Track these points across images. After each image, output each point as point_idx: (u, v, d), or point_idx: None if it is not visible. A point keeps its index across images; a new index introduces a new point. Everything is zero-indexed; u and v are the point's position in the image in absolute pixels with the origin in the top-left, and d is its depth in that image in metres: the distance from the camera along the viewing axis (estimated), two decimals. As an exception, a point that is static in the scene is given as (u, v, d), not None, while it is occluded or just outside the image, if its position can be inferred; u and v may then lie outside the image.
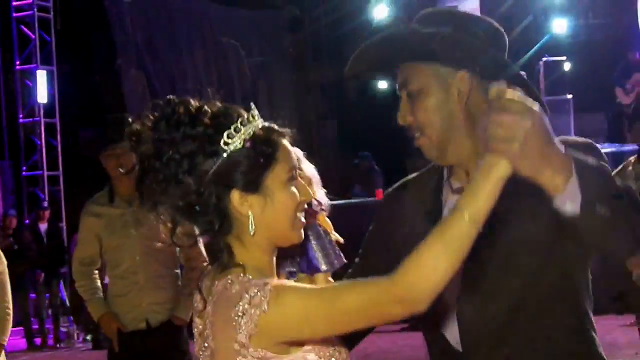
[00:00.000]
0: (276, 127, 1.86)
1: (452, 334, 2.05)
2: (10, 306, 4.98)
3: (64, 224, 13.25)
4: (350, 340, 1.94)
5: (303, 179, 2.18)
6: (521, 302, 1.99)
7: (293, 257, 2.21)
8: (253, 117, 1.84)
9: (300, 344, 1.79)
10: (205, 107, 1.83)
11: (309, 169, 2.33)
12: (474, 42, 2.01)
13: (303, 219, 1.89)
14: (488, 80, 1.99)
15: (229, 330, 1.74)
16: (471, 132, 1.98)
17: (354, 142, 14.45)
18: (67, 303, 12.31)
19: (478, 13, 13.23)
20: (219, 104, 1.87)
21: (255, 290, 1.72)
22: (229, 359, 1.76)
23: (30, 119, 14.06)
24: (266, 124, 1.85)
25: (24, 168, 14.07)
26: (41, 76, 13.86)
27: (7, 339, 5.01)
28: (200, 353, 1.86)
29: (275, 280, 1.79)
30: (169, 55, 13.96)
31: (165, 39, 13.93)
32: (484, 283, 2.01)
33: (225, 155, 1.79)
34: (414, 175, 2.26)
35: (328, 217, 2.35)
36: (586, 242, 1.87)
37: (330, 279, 2.26)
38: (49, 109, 14.05)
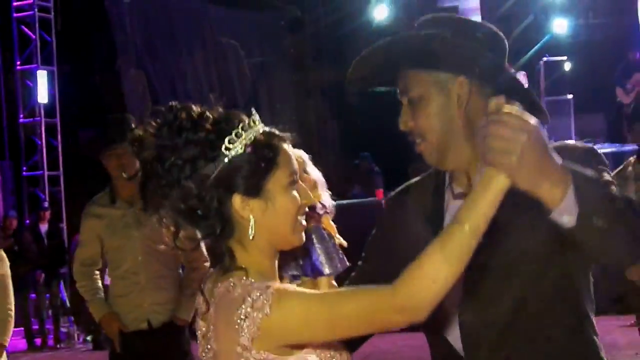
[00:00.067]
0: (277, 132, 1.88)
1: (454, 337, 2.06)
2: (13, 307, 4.98)
3: (64, 225, 13.24)
4: (352, 343, 1.96)
5: (308, 182, 2.21)
6: (521, 304, 2.01)
7: (296, 260, 2.22)
8: (254, 122, 1.86)
9: (301, 346, 1.81)
10: (207, 113, 1.85)
11: (314, 172, 2.33)
12: (472, 47, 2.02)
13: (304, 222, 1.90)
14: (487, 86, 2.02)
15: (231, 333, 1.76)
16: (471, 137, 1.99)
17: (354, 143, 14.46)
18: (68, 303, 12.31)
19: (478, 13, 13.26)
20: (220, 109, 1.88)
21: (258, 294, 1.74)
22: None
23: (31, 119, 14.06)
24: (267, 128, 1.87)
25: (25, 168, 14.07)
26: (42, 76, 13.86)
27: (8, 340, 5.01)
28: (204, 355, 1.88)
29: (277, 284, 1.81)
30: (169, 56, 13.97)
31: (165, 40, 13.93)
32: (485, 287, 2.02)
33: (226, 160, 1.81)
34: (416, 179, 2.27)
35: (332, 220, 2.35)
36: (585, 253, 1.89)
37: (333, 282, 2.27)
38: (49, 109, 14.05)
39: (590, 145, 2.09)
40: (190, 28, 14.22)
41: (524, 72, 12.42)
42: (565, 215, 1.71)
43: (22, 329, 11.68)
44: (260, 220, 1.83)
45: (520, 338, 2.01)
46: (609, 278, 2.09)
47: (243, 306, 1.74)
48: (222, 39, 13.25)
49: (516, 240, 1.98)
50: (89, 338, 12.02)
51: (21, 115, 14.11)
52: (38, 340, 12.01)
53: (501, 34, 2.11)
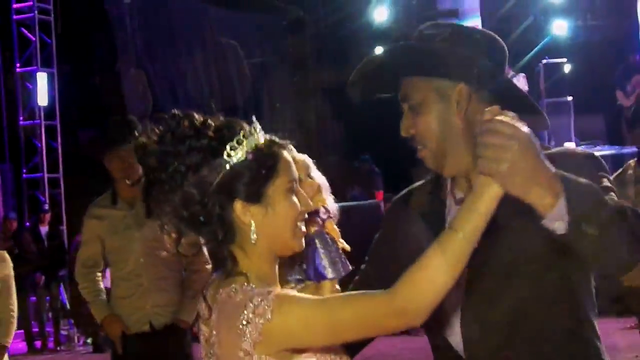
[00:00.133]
0: (277, 139, 1.92)
1: (455, 338, 2.08)
2: (15, 309, 5.00)
3: (64, 227, 13.24)
4: (353, 346, 1.99)
5: (312, 187, 2.25)
6: (521, 305, 2.03)
7: (299, 265, 2.23)
8: (255, 129, 1.90)
9: (302, 351, 1.84)
10: (209, 121, 1.89)
11: (319, 177, 2.35)
12: (470, 54, 2.05)
13: (303, 228, 1.94)
14: (487, 92, 2.05)
15: (233, 338, 1.80)
16: (471, 143, 2.01)
17: (354, 144, 14.46)
18: (68, 306, 12.30)
19: (478, 14, 13.26)
20: (221, 117, 1.92)
21: (259, 300, 1.78)
22: None
23: (31, 122, 14.06)
24: (267, 136, 1.91)
25: (25, 170, 14.07)
26: (41, 78, 13.86)
27: (10, 341, 5.03)
28: (207, 359, 1.92)
29: (277, 290, 1.85)
30: (169, 57, 13.98)
31: (165, 41, 13.94)
32: (486, 288, 2.04)
33: (228, 167, 1.85)
34: (418, 183, 2.30)
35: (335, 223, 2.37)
36: (579, 258, 1.91)
37: (337, 286, 2.28)
38: (49, 111, 14.05)
39: (590, 151, 2.11)
40: (190, 29, 14.23)
41: (523, 74, 12.43)
42: (557, 222, 1.75)
43: (22, 331, 11.67)
44: (261, 225, 1.87)
45: (520, 339, 2.03)
46: (608, 279, 2.09)
47: (245, 312, 1.78)
48: (222, 40, 13.26)
49: (516, 242, 2.01)
50: (89, 340, 12.02)
51: (21, 118, 14.11)
52: (38, 343, 12.01)
53: (500, 39, 2.14)
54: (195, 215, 1.86)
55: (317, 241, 2.25)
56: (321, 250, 2.26)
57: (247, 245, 1.88)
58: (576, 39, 14.15)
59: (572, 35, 14.09)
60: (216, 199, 1.85)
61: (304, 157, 2.34)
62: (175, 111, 1.91)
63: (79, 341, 12.33)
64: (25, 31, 13.99)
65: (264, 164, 1.86)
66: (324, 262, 2.25)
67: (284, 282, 2.09)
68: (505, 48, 2.14)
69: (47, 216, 12.65)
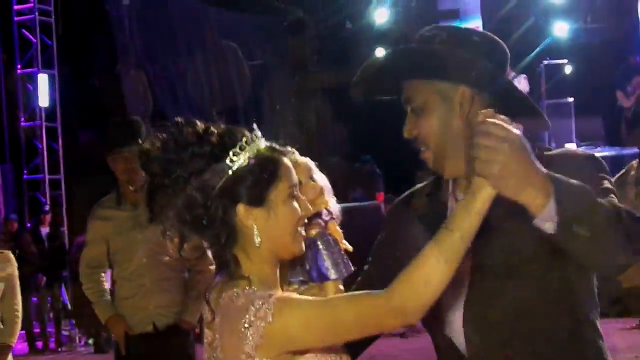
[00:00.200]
0: (277, 146, 1.97)
1: (458, 338, 2.09)
2: (20, 308, 5.02)
3: (65, 228, 13.25)
4: (355, 348, 2.03)
5: (315, 189, 2.30)
6: (521, 305, 2.04)
7: (302, 266, 2.26)
8: (256, 136, 1.94)
9: (303, 352, 1.87)
10: (212, 128, 1.93)
11: (321, 179, 2.37)
12: (472, 57, 2.06)
13: (303, 232, 1.98)
14: (488, 94, 2.06)
15: (236, 341, 1.83)
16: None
17: (355, 145, 14.46)
18: (69, 306, 12.31)
19: (479, 16, 13.26)
20: (222, 125, 1.96)
21: (260, 303, 1.82)
22: None
23: (32, 123, 14.07)
24: (268, 143, 1.96)
25: (25, 172, 14.07)
26: (42, 80, 13.87)
27: (15, 341, 5.05)
28: None
29: (278, 293, 1.89)
30: (169, 58, 13.98)
31: (165, 42, 13.94)
32: (487, 289, 2.06)
33: (230, 172, 1.89)
34: (421, 185, 2.32)
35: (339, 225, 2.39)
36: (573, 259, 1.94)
37: (340, 286, 2.30)
38: (50, 112, 14.05)
39: (591, 152, 2.12)
40: (190, 30, 14.24)
41: (524, 76, 12.43)
42: (548, 222, 1.79)
43: (24, 332, 11.68)
44: (263, 229, 1.91)
45: (520, 339, 2.05)
46: (607, 281, 2.11)
47: (247, 315, 1.82)
48: (222, 41, 13.26)
49: (517, 243, 2.02)
50: (90, 341, 12.02)
51: (22, 119, 14.11)
52: (39, 344, 12.01)
53: (501, 41, 2.15)
54: (198, 218, 1.89)
55: (319, 243, 2.28)
56: (324, 252, 2.28)
57: (249, 248, 1.92)
58: (577, 40, 14.15)
59: (573, 36, 14.09)
60: (219, 202, 1.88)
61: (306, 160, 2.37)
62: (178, 119, 1.95)
63: (80, 342, 12.34)
64: (26, 32, 14.00)
65: (266, 168, 1.91)
66: (326, 263, 2.27)
67: (285, 285, 2.12)
68: (507, 50, 2.15)
69: (48, 217, 12.66)
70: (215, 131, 1.93)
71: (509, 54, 2.16)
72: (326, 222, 2.31)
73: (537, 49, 12.91)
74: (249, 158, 1.91)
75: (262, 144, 1.94)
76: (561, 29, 14.00)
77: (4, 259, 5.04)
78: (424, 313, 1.79)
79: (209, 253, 2.01)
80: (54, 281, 12.14)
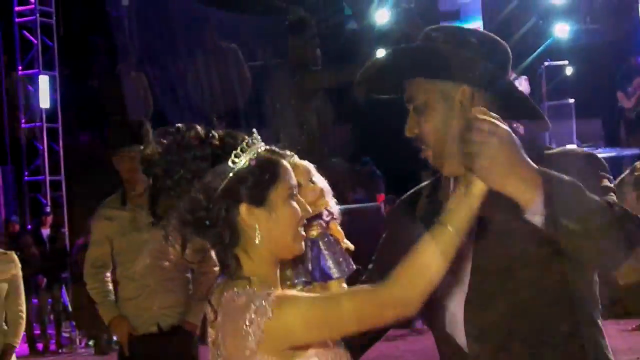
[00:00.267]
0: (277, 149, 2.03)
1: (460, 336, 2.11)
2: (24, 309, 5.05)
3: (66, 229, 13.26)
4: (356, 349, 2.08)
5: (315, 191, 2.35)
6: (520, 308, 2.06)
7: (305, 267, 2.29)
8: (257, 139, 2.00)
9: (304, 349, 1.91)
10: (213, 132, 1.99)
11: (320, 181, 2.41)
12: (473, 56, 2.08)
13: (303, 233, 2.04)
14: (489, 93, 2.09)
15: (239, 339, 1.88)
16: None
17: (356, 147, 14.44)
18: (70, 308, 12.31)
19: (479, 17, 13.26)
20: (221, 131, 2.02)
21: (261, 301, 1.87)
22: None
23: (33, 124, 14.07)
24: (267, 146, 2.02)
25: (26, 173, 14.07)
26: (43, 81, 13.87)
27: (19, 341, 5.08)
28: None
29: (278, 291, 1.94)
30: (170, 60, 13.97)
31: (165, 44, 13.94)
32: (486, 290, 2.08)
33: (232, 173, 1.94)
34: (424, 183, 2.34)
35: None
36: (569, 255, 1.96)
37: (344, 285, 2.34)
38: (50, 113, 14.05)
39: (591, 151, 2.14)
40: (190, 32, 14.23)
41: (525, 77, 12.43)
42: (537, 215, 1.83)
43: (24, 333, 11.67)
44: (265, 229, 1.96)
45: (519, 342, 2.07)
46: (606, 281, 2.12)
47: (248, 313, 1.86)
48: (222, 43, 13.26)
49: (516, 244, 2.03)
50: (90, 343, 12.02)
51: (23, 120, 14.11)
52: (40, 345, 12.02)
53: (503, 42, 2.18)
54: (201, 219, 1.94)
55: (320, 243, 2.32)
56: (325, 252, 2.33)
57: (250, 249, 1.97)
58: (577, 41, 14.14)
59: (574, 37, 14.08)
60: (222, 203, 1.93)
61: (305, 163, 2.41)
62: (179, 124, 2.00)
63: (80, 343, 12.33)
64: (27, 34, 14.00)
65: (266, 170, 1.97)
66: (329, 262, 2.32)
67: (287, 286, 2.16)
68: (509, 50, 2.17)
69: (49, 219, 12.66)
70: (217, 135, 1.98)
71: (511, 55, 2.17)
72: (327, 222, 2.36)
73: (538, 50, 12.91)
74: (249, 160, 1.96)
75: (262, 146, 2.00)
76: (562, 30, 13.99)
77: (7, 260, 5.07)
78: (421, 304, 1.85)
79: (213, 255, 2.04)
80: (55, 283, 12.13)
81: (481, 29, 12.26)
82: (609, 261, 1.90)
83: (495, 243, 2.03)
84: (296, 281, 2.28)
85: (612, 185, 2.02)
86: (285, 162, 2.02)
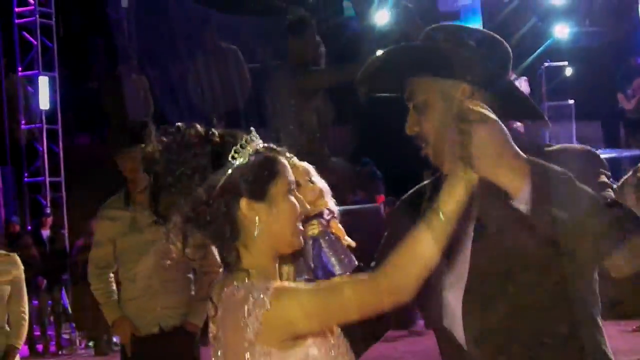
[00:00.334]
0: (275, 147, 2.08)
1: (458, 331, 2.12)
2: (27, 311, 5.06)
3: (66, 231, 13.26)
4: (356, 348, 2.10)
5: (314, 191, 2.42)
6: (517, 310, 2.06)
7: (307, 265, 2.33)
8: (255, 136, 2.05)
9: (302, 339, 1.95)
10: (213, 130, 2.03)
11: (320, 182, 2.45)
12: (473, 55, 2.10)
13: (302, 228, 2.08)
14: (488, 92, 2.09)
15: (238, 331, 1.92)
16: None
17: (356, 148, 14.44)
18: (69, 310, 12.31)
19: (479, 17, 13.25)
20: (220, 130, 2.06)
21: (259, 293, 1.90)
22: (239, 357, 1.93)
23: (32, 125, 14.07)
24: (265, 144, 2.07)
25: (26, 174, 14.07)
26: (43, 82, 13.86)
27: (22, 343, 5.10)
28: (215, 357, 2.04)
29: (277, 283, 1.97)
30: (170, 61, 13.98)
31: (165, 45, 13.94)
32: (485, 292, 2.08)
33: (232, 169, 1.99)
34: (425, 182, 2.36)
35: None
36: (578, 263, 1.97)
37: None
38: (50, 114, 14.05)
39: (589, 148, 2.16)
40: (191, 33, 14.23)
41: (525, 78, 12.43)
42: (524, 204, 1.85)
43: (24, 334, 11.67)
44: (265, 223, 2.00)
45: (518, 344, 2.07)
46: (604, 282, 2.13)
47: (246, 305, 1.90)
48: (222, 44, 13.27)
49: (514, 241, 2.04)
50: (90, 344, 12.01)
51: (22, 121, 14.11)
52: (40, 347, 12.00)
53: (504, 41, 2.19)
54: (202, 214, 1.97)
55: (322, 241, 2.36)
56: (327, 249, 2.37)
57: (250, 243, 2.01)
58: (577, 42, 14.15)
59: (574, 38, 14.09)
60: (222, 198, 1.97)
61: (304, 164, 2.46)
62: (180, 124, 2.03)
63: (80, 345, 12.32)
64: (27, 35, 14.00)
65: (266, 165, 2.01)
66: (331, 260, 2.37)
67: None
68: (509, 50, 2.19)
69: (49, 220, 12.65)
70: (216, 132, 2.02)
71: (512, 54, 2.18)
72: (328, 221, 2.39)
73: (538, 51, 12.92)
74: (249, 156, 2.00)
75: (261, 143, 2.05)
76: (562, 31, 14.00)
77: (10, 261, 5.10)
78: (415, 290, 1.89)
79: (216, 255, 2.07)
80: (55, 284, 12.12)
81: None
82: (597, 248, 1.90)
83: (493, 246, 2.05)
84: (298, 279, 2.31)
85: (609, 181, 2.04)
86: (283, 159, 2.06)
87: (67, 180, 14.04)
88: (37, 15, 13.91)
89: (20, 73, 14.07)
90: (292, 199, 2.04)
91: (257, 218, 1.99)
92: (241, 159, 1.99)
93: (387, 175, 13.29)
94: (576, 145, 2.24)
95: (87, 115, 15.20)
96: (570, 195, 1.85)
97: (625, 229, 1.86)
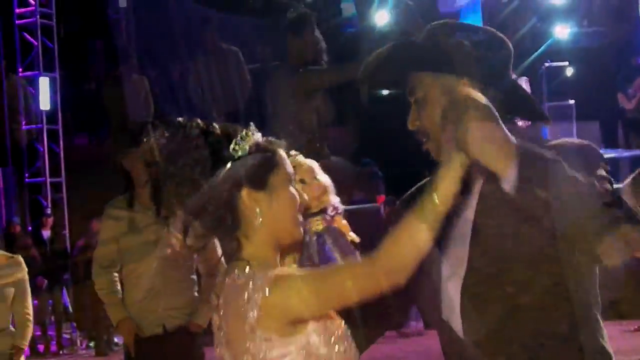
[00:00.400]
0: (274, 140, 2.12)
1: (456, 324, 2.14)
2: (31, 312, 5.10)
3: (66, 231, 13.26)
4: (358, 345, 2.10)
5: (319, 188, 2.46)
6: (514, 309, 2.07)
7: (311, 260, 2.35)
8: (255, 130, 2.09)
9: (303, 325, 1.97)
10: (214, 124, 2.07)
11: (324, 179, 2.48)
12: (475, 51, 2.11)
13: (301, 218, 2.10)
14: (490, 88, 2.10)
15: (239, 319, 1.95)
16: None
17: (356, 148, 14.44)
18: (70, 309, 12.31)
19: (480, 18, 13.24)
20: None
21: (259, 279, 1.94)
22: (240, 344, 1.96)
23: (33, 126, 14.07)
24: (264, 138, 2.11)
25: (27, 175, 14.07)
26: (43, 83, 13.86)
27: (26, 343, 5.13)
28: (218, 347, 2.07)
29: (276, 270, 2.00)
30: (170, 61, 13.98)
31: (166, 45, 13.94)
32: (480, 293, 2.09)
33: (233, 159, 2.02)
34: (425, 180, 2.35)
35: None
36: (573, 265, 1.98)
37: None
38: (51, 115, 14.05)
39: (588, 142, 2.18)
40: (191, 34, 14.23)
41: (526, 78, 12.42)
42: (510, 184, 1.88)
43: (25, 335, 11.66)
44: (265, 212, 2.03)
45: (514, 344, 2.07)
46: (603, 283, 2.13)
47: (246, 291, 1.93)
48: (223, 45, 13.27)
49: (508, 247, 2.05)
50: (91, 344, 12.02)
51: (23, 122, 14.11)
52: (41, 347, 12.01)
53: (506, 38, 2.20)
54: (204, 205, 2.00)
55: (326, 236, 2.38)
56: (331, 244, 2.39)
57: (251, 232, 2.04)
58: (578, 42, 14.15)
59: (574, 38, 14.09)
60: (224, 187, 2.00)
61: (309, 161, 2.48)
62: (181, 119, 2.08)
63: (81, 345, 12.33)
64: (28, 36, 14.00)
65: (266, 156, 2.06)
66: (335, 254, 2.38)
67: None
68: (511, 47, 2.20)
69: (50, 220, 12.66)
70: (217, 125, 2.06)
71: (513, 51, 2.19)
72: (332, 217, 2.42)
73: (539, 51, 12.91)
74: (249, 147, 2.03)
75: (259, 136, 2.10)
76: (562, 32, 14.00)
77: (14, 263, 5.13)
78: (410, 273, 1.93)
79: (217, 246, 2.14)
80: (55, 284, 12.13)
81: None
82: (585, 231, 1.90)
83: (490, 247, 2.05)
84: None
85: (607, 174, 2.05)
86: (281, 151, 2.09)
87: (68, 181, 14.05)
88: (38, 16, 13.92)
89: (20, 74, 14.07)
90: (292, 189, 2.08)
91: (257, 207, 2.02)
92: (241, 151, 2.03)
93: (387, 175, 13.30)
94: (575, 140, 2.26)
95: (85, 116, 15.20)
96: (558, 178, 1.87)
97: (616, 215, 1.87)
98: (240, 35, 14.14)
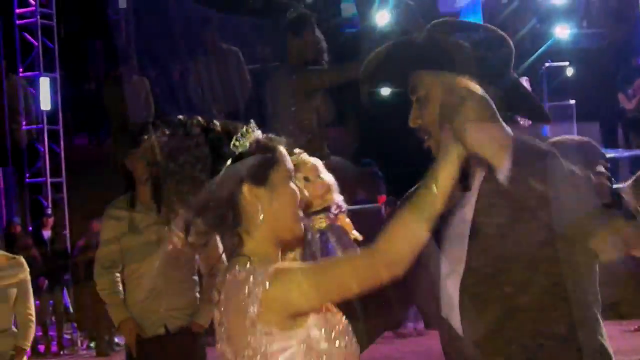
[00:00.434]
0: (274, 137, 2.13)
1: (456, 321, 2.14)
2: (33, 313, 5.11)
3: (67, 231, 13.26)
4: (361, 341, 2.10)
5: (323, 186, 2.49)
6: (513, 310, 2.07)
7: (314, 257, 2.36)
8: (255, 127, 2.10)
9: (304, 318, 1.97)
10: (214, 121, 2.08)
11: (328, 177, 2.49)
12: (475, 50, 2.12)
13: (302, 215, 2.11)
14: (491, 87, 2.09)
15: (240, 313, 1.95)
16: None
17: (357, 148, 14.44)
18: (71, 310, 12.31)
19: (480, 17, 13.24)
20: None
21: (259, 274, 1.95)
22: (241, 339, 1.96)
23: (33, 126, 14.07)
24: (264, 135, 2.12)
25: (27, 175, 14.07)
26: (44, 83, 13.86)
27: (29, 344, 5.14)
28: (219, 343, 2.07)
29: (277, 264, 2.01)
30: (170, 62, 13.97)
31: (166, 46, 13.94)
32: (479, 293, 2.09)
33: (234, 156, 2.03)
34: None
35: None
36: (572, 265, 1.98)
37: None
38: (51, 115, 14.05)
39: (588, 138, 2.19)
40: (191, 34, 14.23)
41: (526, 78, 12.42)
42: (504, 174, 1.89)
43: (25, 335, 11.66)
44: (266, 208, 2.04)
45: (513, 345, 2.08)
46: (602, 283, 2.13)
47: (247, 286, 1.94)
48: (223, 45, 13.27)
49: (507, 247, 2.05)
50: (92, 344, 12.02)
51: (23, 122, 14.11)
52: (41, 347, 12.01)
53: (507, 37, 2.20)
54: (205, 201, 2.01)
55: (329, 234, 2.39)
56: (334, 242, 2.40)
57: (252, 228, 2.05)
58: (578, 42, 14.15)
59: (575, 39, 14.09)
60: (225, 184, 2.01)
61: (313, 160, 2.49)
62: (181, 116, 2.08)
63: (82, 345, 12.33)
64: (28, 36, 14.00)
65: (266, 152, 2.07)
66: (338, 252, 2.39)
67: None
68: (512, 45, 2.20)
69: (50, 220, 12.66)
70: (218, 122, 2.07)
71: (514, 49, 2.19)
72: (335, 215, 2.43)
73: (539, 52, 12.91)
74: (249, 144, 2.04)
75: (260, 133, 2.09)
76: (562, 32, 14.00)
77: (16, 264, 5.14)
78: (409, 263, 1.94)
79: (219, 244, 2.14)
80: (56, 284, 12.13)
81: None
82: (579, 222, 1.91)
83: (488, 247, 2.05)
84: None
85: (606, 171, 2.05)
86: (281, 148, 2.11)
87: (69, 181, 14.05)
88: (38, 16, 13.91)
89: (21, 74, 14.07)
90: (292, 185, 2.09)
91: (259, 203, 2.03)
92: (241, 148, 2.04)
93: (387, 175, 13.30)
94: (575, 137, 2.27)
95: (85, 116, 15.20)
96: (555, 172, 1.88)
97: (610, 208, 1.88)
98: (240, 35, 14.14)
